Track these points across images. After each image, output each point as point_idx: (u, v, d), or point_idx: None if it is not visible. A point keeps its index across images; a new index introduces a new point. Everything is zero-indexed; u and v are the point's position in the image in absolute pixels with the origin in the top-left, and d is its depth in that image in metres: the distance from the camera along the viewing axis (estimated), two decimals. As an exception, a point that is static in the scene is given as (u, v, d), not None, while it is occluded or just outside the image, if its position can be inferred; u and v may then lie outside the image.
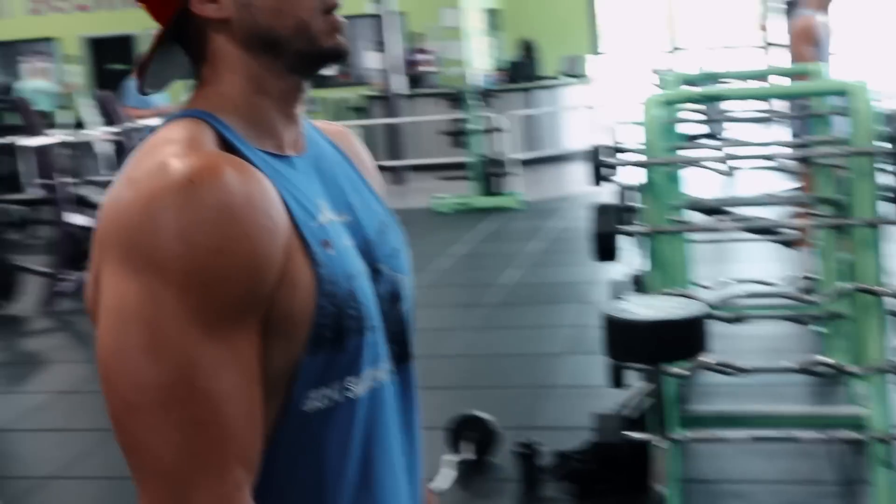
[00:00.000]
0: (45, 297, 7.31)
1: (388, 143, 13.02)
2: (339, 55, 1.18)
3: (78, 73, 16.38)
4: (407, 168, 12.93)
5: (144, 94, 1.22)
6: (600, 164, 3.89)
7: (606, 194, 4.45)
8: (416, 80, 14.18)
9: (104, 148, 9.45)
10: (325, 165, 1.23)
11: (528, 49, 14.76)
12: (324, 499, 1.13)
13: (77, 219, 7.43)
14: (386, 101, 13.12)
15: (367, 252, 1.21)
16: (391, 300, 1.23)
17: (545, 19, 16.02)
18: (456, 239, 9.02)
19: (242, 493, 1.02)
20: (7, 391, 5.69)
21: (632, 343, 2.32)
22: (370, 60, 14.44)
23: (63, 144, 7.55)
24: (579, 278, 7.18)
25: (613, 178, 4.06)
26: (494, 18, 16.31)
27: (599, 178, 3.86)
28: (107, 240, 1.03)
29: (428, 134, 12.47)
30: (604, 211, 3.73)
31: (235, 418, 1.02)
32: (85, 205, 7.49)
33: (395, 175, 12.66)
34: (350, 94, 15.55)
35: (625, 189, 4.11)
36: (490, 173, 10.46)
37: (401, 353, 1.25)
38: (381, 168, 9.77)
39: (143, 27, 15.99)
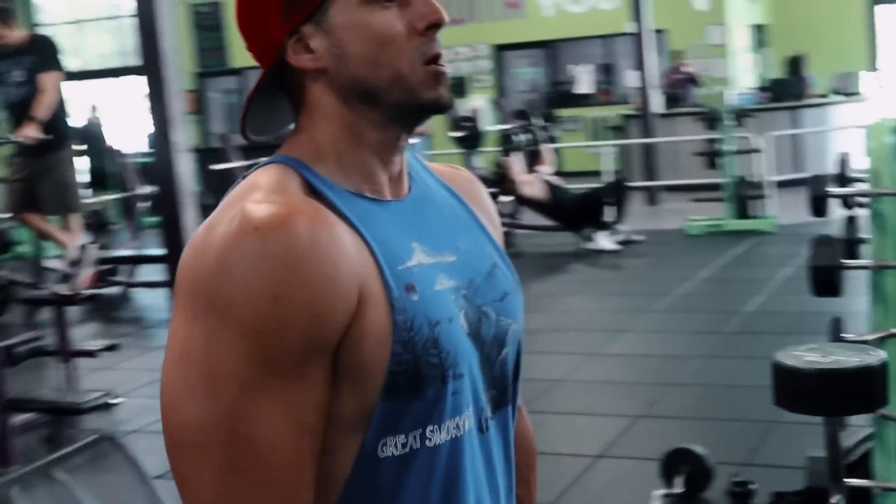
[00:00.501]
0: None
1: (644, 162, 12.86)
2: (439, 108, 1.17)
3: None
4: (661, 188, 12.72)
5: (247, 138, 1.27)
6: (823, 193, 3.70)
7: (839, 225, 4.23)
8: (674, 99, 13.95)
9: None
10: (432, 207, 1.24)
11: (795, 65, 14.19)
12: None
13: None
14: (643, 120, 12.98)
15: (473, 294, 1.20)
16: (496, 345, 1.22)
17: (817, 34, 15.39)
18: (704, 262, 8.79)
19: None
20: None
21: (798, 392, 2.19)
22: (630, 79, 14.34)
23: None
24: (828, 309, 6.83)
25: (847, 206, 3.86)
26: (761, 34, 15.80)
27: (821, 208, 3.67)
28: (180, 281, 1.08)
29: (684, 154, 12.22)
30: (824, 243, 3.54)
31: (278, 467, 1.03)
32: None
33: (649, 195, 12.49)
34: (609, 112, 15.49)
35: (853, 219, 3.89)
36: (744, 195, 10.13)
37: (500, 400, 1.24)
38: (636, 188, 9.73)
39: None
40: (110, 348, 6.39)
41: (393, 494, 1.12)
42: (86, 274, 6.09)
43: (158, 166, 5.91)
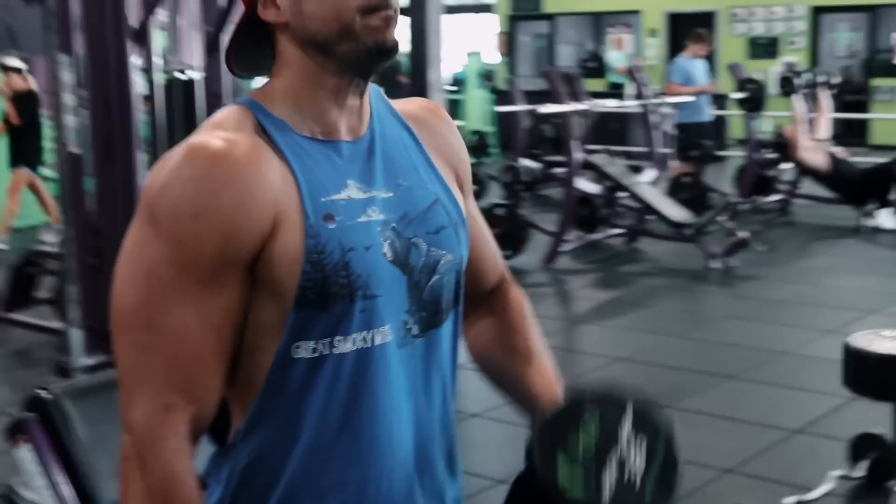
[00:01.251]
0: (548, 255, 7.84)
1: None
2: (383, 52, 1.31)
3: (655, 46, 16.94)
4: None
5: (233, 73, 1.43)
6: None
7: None
8: None
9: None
10: (384, 147, 1.38)
11: None
12: (305, 436, 1.30)
13: (583, 184, 7.86)
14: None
15: (404, 227, 1.34)
16: (425, 273, 1.36)
17: None
18: None
19: (171, 416, 1.24)
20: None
21: (865, 375, 2.10)
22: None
23: (585, 114, 7.97)
24: None
25: None
26: None
27: None
28: (141, 196, 1.30)
29: None
30: None
31: (182, 355, 1.24)
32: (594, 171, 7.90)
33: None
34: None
35: None
36: None
37: (431, 321, 1.38)
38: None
39: (725, 5, 16.11)
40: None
41: (302, 393, 1.30)
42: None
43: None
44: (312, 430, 1.31)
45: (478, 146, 9.58)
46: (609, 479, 1.33)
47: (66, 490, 2.20)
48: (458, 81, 14.94)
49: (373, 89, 1.43)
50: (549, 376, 1.53)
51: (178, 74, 5.75)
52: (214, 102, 5.65)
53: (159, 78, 5.72)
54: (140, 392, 1.24)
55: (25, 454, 2.09)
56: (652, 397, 1.40)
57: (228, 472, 1.34)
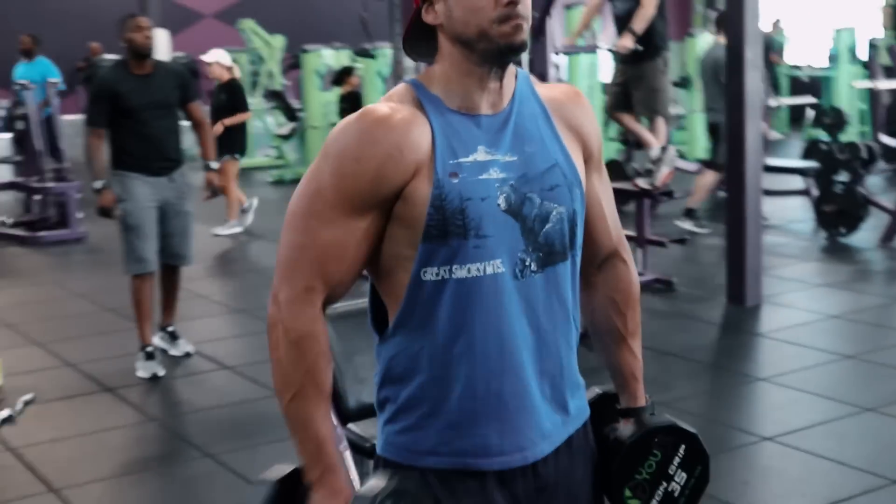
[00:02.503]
0: (885, 233, 7.69)
1: None
2: (512, 50, 1.72)
3: None
4: None
5: (410, 57, 1.92)
6: None
7: None
8: None
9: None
10: (517, 120, 1.77)
11: None
12: (430, 339, 1.73)
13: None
14: None
15: (521, 184, 1.74)
16: (538, 221, 1.75)
17: None
18: None
19: (310, 295, 1.70)
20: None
21: None
22: None
23: None
24: None
25: None
26: None
27: None
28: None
29: None
30: None
31: (325, 255, 1.70)
32: None
33: None
34: None
35: None
36: None
37: (547, 260, 1.76)
38: None
39: None
40: (680, 241, 7.12)
41: (429, 306, 1.73)
42: (664, 172, 6.82)
43: (730, 80, 6.40)
44: (436, 334, 1.72)
45: (832, 124, 9.42)
46: (658, 493, 1.85)
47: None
48: (831, 58, 14.51)
49: (521, 74, 1.83)
50: (635, 361, 1.92)
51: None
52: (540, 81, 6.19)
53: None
54: (291, 276, 1.71)
55: None
56: (697, 433, 1.89)
57: (383, 357, 1.81)
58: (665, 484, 1.85)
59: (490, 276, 1.70)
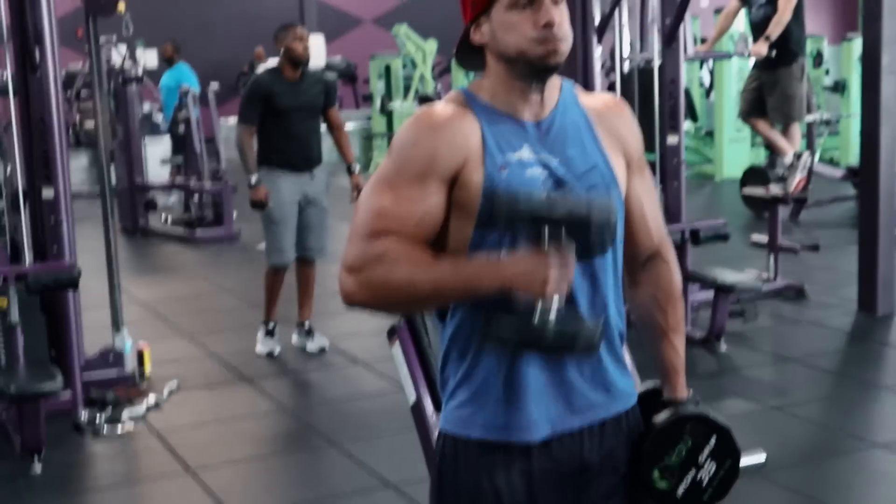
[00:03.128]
0: None
1: None
2: (547, 68, 1.90)
3: None
4: None
5: (463, 67, 2.11)
6: None
7: None
8: None
9: None
10: (559, 126, 1.95)
11: None
12: (480, 314, 1.88)
13: None
14: None
15: (563, 182, 1.91)
16: None
17: None
18: None
19: (383, 238, 1.84)
20: None
21: None
22: None
23: None
24: None
25: None
26: None
27: None
28: None
29: None
30: None
31: (398, 216, 1.87)
32: None
33: None
34: None
35: None
36: None
37: (582, 251, 1.89)
38: None
39: None
40: (813, 248, 7.07)
41: None
42: (797, 179, 6.78)
43: (865, 85, 6.33)
44: (487, 311, 1.87)
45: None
46: (686, 480, 1.96)
47: (419, 375, 3.03)
48: None
49: (565, 85, 2.01)
50: (675, 356, 2.05)
51: (641, 64, 6.44)
52: (672, 88, 6.27)
53: (626, 66, 6.45)
54: (357, 240, 1.86)
55: (396, 350, 2.87)
56: (729, 428, 1.98)
57: (444, 339, 1.99)
58: (694, 471, 1.96)
59: None
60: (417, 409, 3.07)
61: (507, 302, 1.79)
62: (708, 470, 1.97)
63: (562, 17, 1.88)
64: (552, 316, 1.76)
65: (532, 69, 1.89)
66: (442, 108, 1.93)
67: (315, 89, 5.83)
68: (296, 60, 5.71)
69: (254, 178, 5.69)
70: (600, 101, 2.04)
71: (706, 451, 1.97)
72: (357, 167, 6.08)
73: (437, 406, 2.97)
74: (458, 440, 1.95)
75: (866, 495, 3.93)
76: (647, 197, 2.07)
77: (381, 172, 1.93)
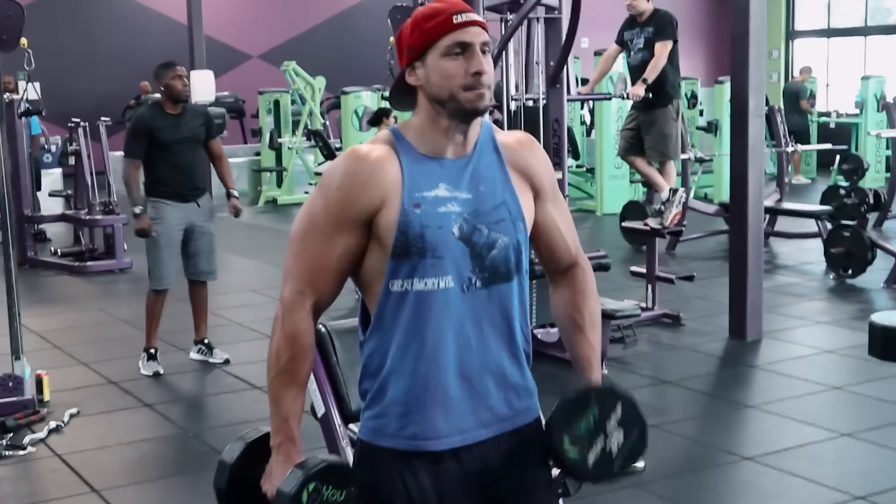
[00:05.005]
0: (891, 275, 8.01)
1: None
2: (475, 112, 2.12)
3: None
4: None
5: (394, 107, 2.35)
6: None
7: None
8: None
9: None
10: (475, 165, 2.17)
11: None
12: (396, 339, 2.12)
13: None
14: None
15: (473, 217, 2.13)
16: (486, 247, 2.15)
17: None
18: None
19: (302, 298, 2.11)
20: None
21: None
22: None
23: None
24: None
25: None
26: None
27: None
28: None
29: None
30: None
31: (314, 264, 2.11)
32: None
33: None
34: None
35: None
36: None
37: (492, 279, 2.15)
38: None
39: None
40: (688, 278, 7.48)
41: (396, 312, 2.13)
42: (673, 213, 7.20)
43: (734, 127, 6.78)
44: (400, 335, 2.12)
45: (851, 170, 9.74)
46: (596, 449, 2.08)
47: (328, 390, 3.24)
48: (859, 105, 14.83)
49: (485, 125, 2.23)
50: (590, 349, 2.26)
51: (526, 103, 6.78)
52: (556, 127, 6.63)
53: (512, 105, 6.78)
54: (289, 280, 2.13)
55: None
56: (633, 398, 2.11)
57: (363, 355, 2.21)
58: (603, 440, 2.07)
59: (442, 290, 2.10)
60: (326, 420, 3.29)
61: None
62: (616, 439, 2.08)
63: (489, 67, 2.11)
64: None
65: (461, 111, 2.10)
66: (366, 148, 2.13)
67: (195, 122, 6.18)
68: (175, 97, 6.07)
69: (137, 209, 6.00)
70: (513, 138, 2.26)
71: (613, 419, 2.08)
72: (236, 192, 6.34)
73: (344, 418, 3.21)
74: (374, 447, 2.15)
75: (735, 503, 4.27)
76: (562, 217, 2.30)
77: (309, 208, 2.14)
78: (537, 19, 6.59)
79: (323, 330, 3.31)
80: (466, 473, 2.15)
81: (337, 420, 3.23)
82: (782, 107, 12.56)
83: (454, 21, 2.09)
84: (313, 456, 2.08)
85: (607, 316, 5.90)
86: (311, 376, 3.03)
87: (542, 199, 2.26)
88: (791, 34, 20.65)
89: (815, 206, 9.44)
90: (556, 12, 6.49)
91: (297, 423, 2.14)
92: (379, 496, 2.14)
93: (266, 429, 2.17)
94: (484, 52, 2.11)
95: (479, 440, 2.15)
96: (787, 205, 9.78)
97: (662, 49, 7.13)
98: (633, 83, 7.35)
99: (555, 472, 2.25)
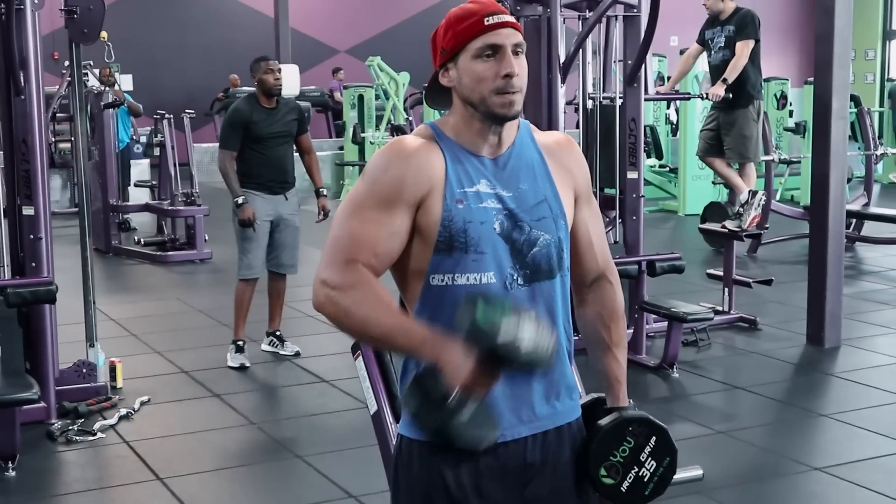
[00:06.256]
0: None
1: None
2: (505, 117, 2.11)
3: None
4: None
5: (430, 106, 2.34)
6: None
7: None
8: None
9: None
10: (515, 163, 2.16)
11: None
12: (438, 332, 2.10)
13: None
14: None
15: (514, 214, 2.12)
16: (527, 245, 2.13)
17: None
18: None
19: (351, 265, 2.04)
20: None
21: None
22: None
23: None
24: None
25: None
26: None
27: None
28: None
29: None
30: None
31: (367, 239, 2.07)
32: None
33: None
34: None
35: None
36: None
37: (533, 277, 2.14)
38: None
39: None
40: (766, 282, 7.33)
41: (436, 305, 2.12)
42: (752, 216, 7.05)
43: (816, 129, 6.62)
44: (441, 330, 2.06)
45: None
46: (630, 477, 2.16)
47: (381, 388, 3.23)
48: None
49: (523, 124, 2.22)
50: (618, 368, 2.26)
51: (604, 102, 6.71)
52: (632, 126, 6.54)
53: (589, 104, 6.72)
54: (332, 259, 2.04)
55: (359, 363, 3.07)
56: (667, 428, 2.18)
57: None
58: (636, 469, 2.17)
59: (483, 285, 2.08)
60: (378, 417, 3.28)
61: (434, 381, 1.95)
62: (649, 467, 2.17)
63: (521, 69, 2.08)
64: (464, 415, 1.93)
65: (491, 115, 2.09)
66: (412, 139, 2.13)
67: (289, 117, 6.26)
68: (268, 91, 6.15)
69: (240, 199, 6.09)
70: (552, 139, 2.25)
71: (647, 450, 2.17)
72: (325, 191, 6.44)
73: (396, 416, 3.20)
74: (413, 441, 2.13)
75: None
76: (594, 225, 2.28)
77: (354, 195, 2.12)
78: (616, 17, 6.51)
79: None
80: (506, 470, 2.13)
81: (389, 418, 3.22)
82: (889, 108, 12.22)
83: (486, 23, 2.08)
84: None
85: (679, 319, 5.82)
86: (365, 373, 3.05)
87: (578, 203, 2.24)
88: (888, 34, 20.13)
89: (901, 211, 9.18)
90: (635, 10, 6.39)
91: (421, 325, 2.04)
92: (418, 491, 2.13)
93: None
94: (517, 54, 2.08)
95: (518, 437, 2.12)
96: (872, 209, 9.52)
97: (743, 48, 7.01)
98: (714, 83, 7.23)
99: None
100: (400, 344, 2.03)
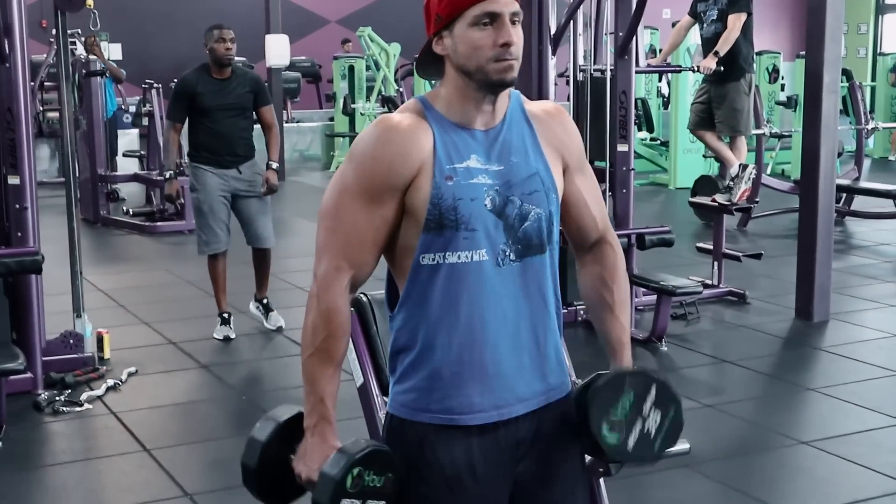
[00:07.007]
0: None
1: None
2: (503, 84, 2.06)
3: None
4: None
5: (421, 76, 2.30)
6: None
7: None
8: None
9: None
10: (506, 135, 2.12)
11: None
12: (428, 313, 2.08)
13: None
14: None
15: (505, 189, 2.09)
16: (518, 219, 2.10)
17: None
18: None
19: (339, 273, 2.07)
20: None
21: None
22: None
23: None
24: None
25: None
26: None
27: None
28: None
29: None
30: None
31: (351, 238, 2.07)
32: None
33: None
34: None
35: None
36: None
37: (524, 252, 2.11)
38: None
39: None
40: (756, 256, 7.33)
41: (427, 286, 2.09)
42: (742, 189, 7.05)
43: (807, 103, 6.59)
44: (430, 310, 2.08)
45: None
46: (635, 432, 2.06)
47: (367, 360, 3.22)
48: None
49: (514, 95, 2.17)
50: (621, 329, 2.23)
51: (594, 74, 6.67)
52: (623, 99, 6.51)
53: (580, 76, 6.68)
54: (324, 256, 2.08)
55: None
56: (666, 380, 2.08)
57: (393, 329, 2.17)
58: (641, 423, 2.06)
59: (476, 263, 2.05)
60: (364, 390, 3.26)
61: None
62: (654, 420, 2.07)
63: (518, 39, 2.04)
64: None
65: (488, 83, 2.04)
66: (398, 117, 2.07)
67: (242, 89, 6.11)
68: (217, 61, 6.04)
69: (167, 174, 6.16)
70: (542, 109, 2.20)
71: (649, 401, 2.07)
72: (275, 164, 6.22)
73: (382, 388, 3.18)
74: (405, 421, 2.11)
75: (787, 488, 4.17)
76: (590, 190, 2.24)
77: (341, 181, 2.08)
78: (607, -11, 6.46)
79: (364, 299, 3.27)
80: (500, 447, 2.11)
81: (375, 390, 3.21)
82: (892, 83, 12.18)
83: None
84: (356, 440, 2.03)
85: (667, 292, 5.82)
86: (351, 345, 3.02)
87: (570, 172, 2.20)
88: (882, 8, 20.09)
89: (892, 186, 9.16)
90: (627, -19, 6.35)
91: (333, 403, 2.09)
92: (412, 470, 2.10)
93: (298, 408, 2.13)
94: (514, 23, 2.03)
95: (514, 415, 2.10)
96: (863, 183, 9.52)
97: (735, 21, 6.97)
98: (705, 56, 7.20)
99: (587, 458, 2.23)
100: (307, 396, 2.08)
